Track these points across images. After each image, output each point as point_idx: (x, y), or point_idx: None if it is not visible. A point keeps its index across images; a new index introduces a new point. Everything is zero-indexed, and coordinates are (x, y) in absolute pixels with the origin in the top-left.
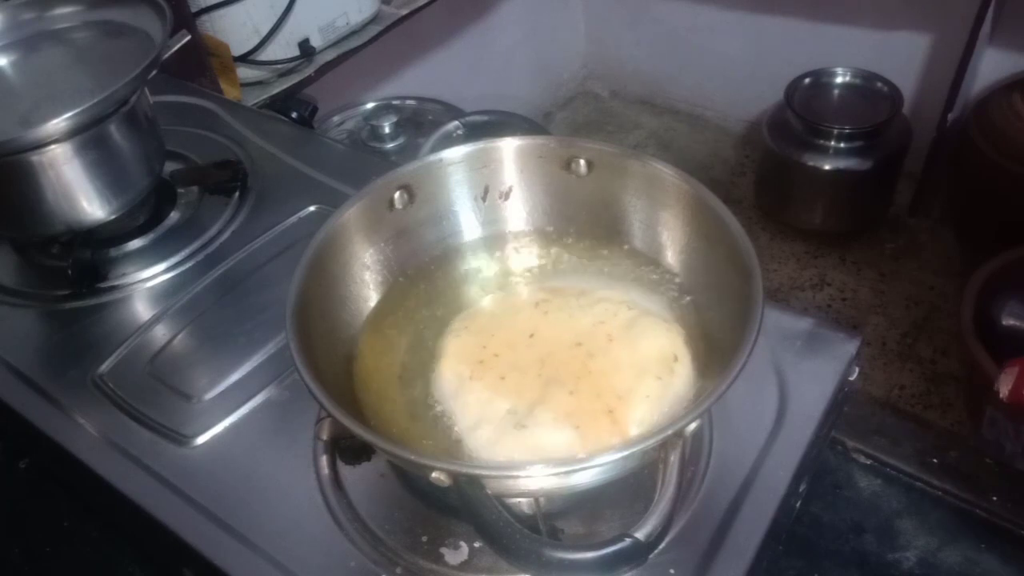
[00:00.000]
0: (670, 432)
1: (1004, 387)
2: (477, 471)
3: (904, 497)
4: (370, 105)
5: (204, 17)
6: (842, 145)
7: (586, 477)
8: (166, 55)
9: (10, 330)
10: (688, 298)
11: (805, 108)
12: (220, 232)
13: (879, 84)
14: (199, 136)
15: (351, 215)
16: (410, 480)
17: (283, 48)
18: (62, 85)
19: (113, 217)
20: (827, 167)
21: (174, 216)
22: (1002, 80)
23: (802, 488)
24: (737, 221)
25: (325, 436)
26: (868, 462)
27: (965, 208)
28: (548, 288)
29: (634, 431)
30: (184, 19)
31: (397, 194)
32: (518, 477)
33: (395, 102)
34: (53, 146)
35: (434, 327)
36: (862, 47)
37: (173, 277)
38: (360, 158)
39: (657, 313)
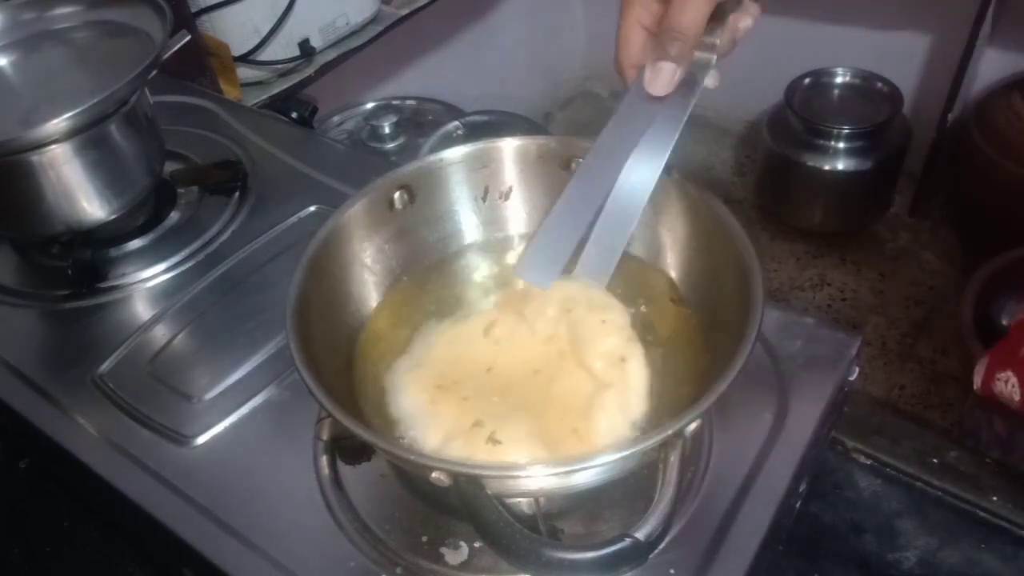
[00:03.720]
0: (670, 432)
1: (977, 378)
2: (477, 471)
3: (904, 497)
4: (370, 105)
5: (204, 17)
6: (842, 145)
7: (586, 477)
8: (166, 55)
9: (10, 330)
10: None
11: (805, 108)
12: (220, 232)
13: (879, 84)
14: (199, 136)
15: (351, 215)
16: (410, 480)
17: (283, 48)
18: (62, 85)
19: (113, 217)
20: (827, 167)
21: (174, 216)
22: (1002, 80)
23: (802, 488)
24: (737, 221)
25: (325, 436)
26: (868, 462)
27: (965, 208)
28: (495, 308)
29: (601, 447)
30: (184, 19)
31: (397, 194)
32: (518, 477)
33: (395, 102)
34: (53, 146)
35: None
36: (862, 47)
37: (173, 277)
38: (360, 158)
39: (597, 302)
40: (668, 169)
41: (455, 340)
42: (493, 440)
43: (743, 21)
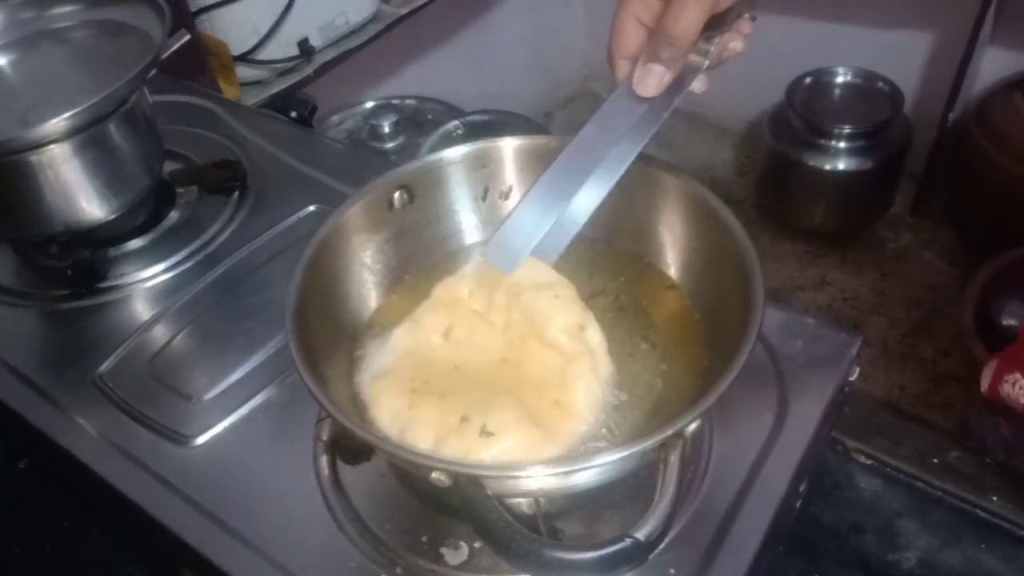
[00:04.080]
0: (670, 432)
1: (985, 381)
2: (477, 471)
3: (905, 497)
4: (370, 105)
5: (203, 16)
6: (843, 145)
7: (586, 477)
8: (165, 54)
9: (10, 330)
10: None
11: (806, 108)
12: (219, 232)
13: (880, 83)
14: (198, 136)
15: (351, 215)
16: (410, 480)
17: (282, 47)
18: (61, 84)
19: (112, 217)
20: (828, 167)
21: (173, 216)
22: (1003, 79)
23: (802, 488)
24: (737, 221)
25: (325, 436)
26: (869, 462)
27: (965, 208)
28: (432, 305)
29: (585, 411)
30: (183, 18)
31: (397, 194)
32: (518, 477)
33: (395, 102)
34: (52, 146)
35: None
36: (863, 46)
37: (172, 277)
38: (360, 158)
39: (543, 280)
40: (672, 169)
41: (414, 349)
42: (486, 432)
43: (734, 42)
